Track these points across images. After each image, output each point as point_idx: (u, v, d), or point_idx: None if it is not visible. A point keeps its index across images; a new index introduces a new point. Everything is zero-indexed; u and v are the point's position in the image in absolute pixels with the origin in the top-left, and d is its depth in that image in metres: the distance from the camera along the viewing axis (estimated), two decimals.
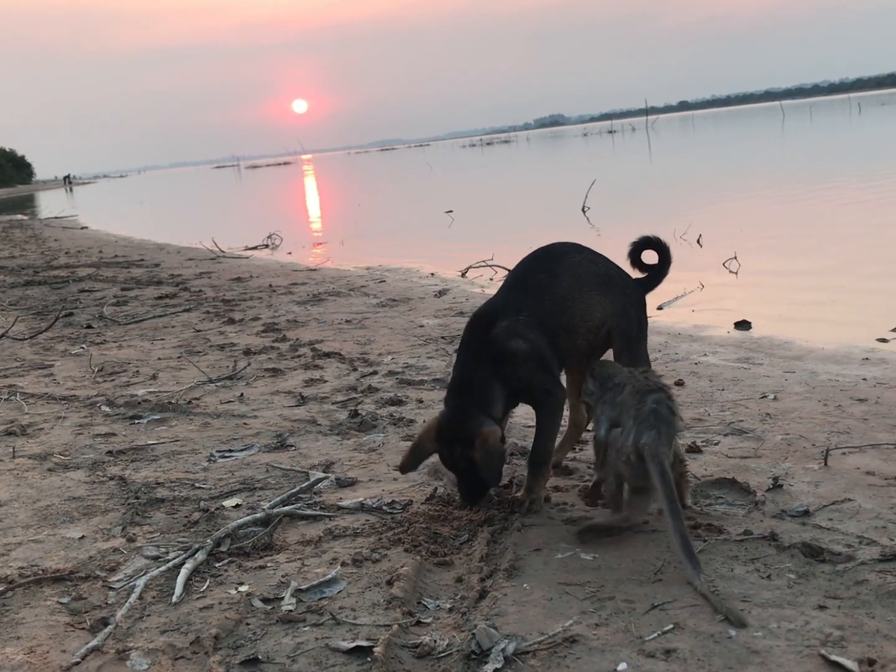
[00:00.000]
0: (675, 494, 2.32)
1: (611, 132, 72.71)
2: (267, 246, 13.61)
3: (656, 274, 3.10)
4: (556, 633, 2.06)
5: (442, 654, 2.02)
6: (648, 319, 3.09)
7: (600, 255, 3.01)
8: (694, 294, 6.85)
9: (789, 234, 9.60)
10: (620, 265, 3.07)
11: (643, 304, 3.04)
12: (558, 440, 3.02)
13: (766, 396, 3.88)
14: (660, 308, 6.37)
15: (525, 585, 2.32)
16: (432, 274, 9.24)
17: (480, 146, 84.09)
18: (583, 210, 13.68)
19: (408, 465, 2.85)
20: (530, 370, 2.75)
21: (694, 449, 3.21)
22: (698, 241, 9.36)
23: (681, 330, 5.57)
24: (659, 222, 10.66)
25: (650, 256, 3.12)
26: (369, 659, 2.00)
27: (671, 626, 2.06)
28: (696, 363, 4.62)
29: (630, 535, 2.55)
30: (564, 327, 2.83)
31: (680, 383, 4.17)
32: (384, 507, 2.90)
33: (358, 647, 2.06)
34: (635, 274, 3.11)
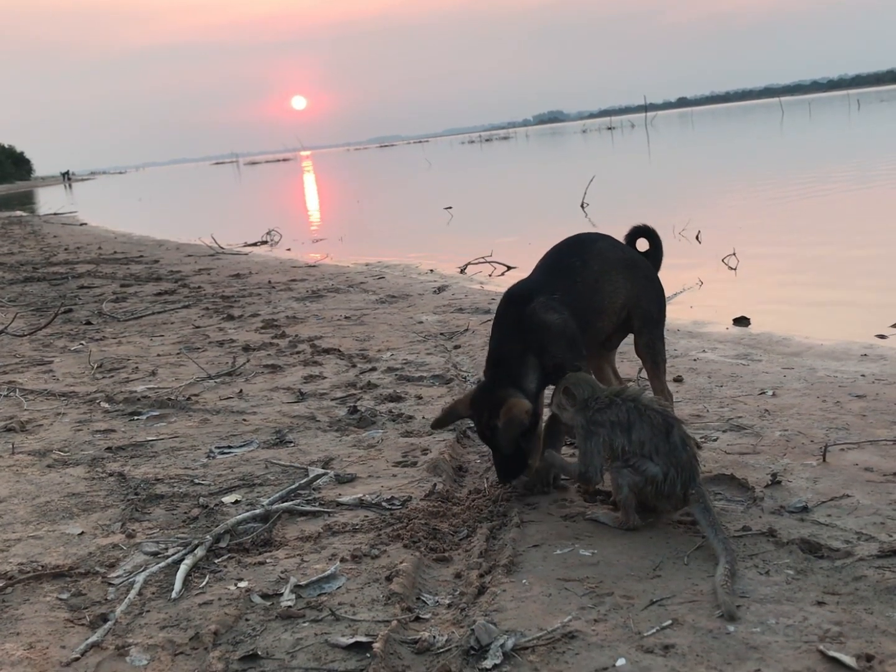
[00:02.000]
0: (721, 527, 2.41)
1: (610, 129, 72.58)
2: (266, 242, 13.60)
3: (654, 259, 3.31)
4: (554, 629, 2.06)
5: (441, 650, 2.02)
6: None
7: (622, 242, 3.23)
8: (692, 290, 6.86)
9: (788, 230, 9.60)
10: None
11: (662, 288, 3.24)
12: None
13: (764, 393, 3.89)
14: None
15: (524, 581, 2.32)
16: (431, 270, 9.24)
17: (479, 143, 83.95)
18: (582, 206, 13.68)
19: (440, 422, 3.03)
20: (562, 345, 2.86)
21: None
22: (697, 238, 9.36)
23: (679, 326, 5.57)
24: (658, 218, 10.64)
25: (644, 245, 3.33)
26: (368, 655, 2.00)
27: (670, 621, 2.06)
28: (694, 359, 4.62)
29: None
30: (594, 308, 3.00)
31: (679, 380, 4.17)
32: (383, 504, 2.91)
33: (357, 643, 2.06)
34: None
